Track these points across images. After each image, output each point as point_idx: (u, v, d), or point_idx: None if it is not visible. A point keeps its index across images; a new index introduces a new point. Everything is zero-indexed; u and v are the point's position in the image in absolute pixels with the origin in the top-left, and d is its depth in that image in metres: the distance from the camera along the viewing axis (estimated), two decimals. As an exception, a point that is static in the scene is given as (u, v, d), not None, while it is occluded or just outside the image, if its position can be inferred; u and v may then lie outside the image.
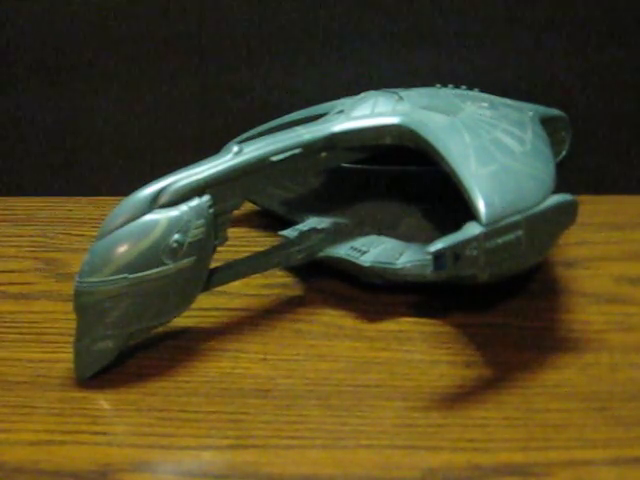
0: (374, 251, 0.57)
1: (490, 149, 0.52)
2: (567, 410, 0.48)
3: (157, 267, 0.50)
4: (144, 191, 0.50)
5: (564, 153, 0.64)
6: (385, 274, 0.56)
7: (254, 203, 0.65)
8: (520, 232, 0.48)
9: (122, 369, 0.52)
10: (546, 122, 0.58)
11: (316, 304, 0.57)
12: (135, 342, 0.52)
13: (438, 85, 0.60)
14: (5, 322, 0.56)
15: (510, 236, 0.48)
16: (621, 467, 0.45)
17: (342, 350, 0.53)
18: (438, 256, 0.46)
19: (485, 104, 0.56)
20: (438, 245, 0.46)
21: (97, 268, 0.49)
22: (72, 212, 0.68)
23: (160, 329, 0.52)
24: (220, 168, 0.52)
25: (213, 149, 0.55)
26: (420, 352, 0.53)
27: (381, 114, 0.55)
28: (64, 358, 0.52)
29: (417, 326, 0.55)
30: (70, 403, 0.50)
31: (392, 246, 0.57)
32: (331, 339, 0.54)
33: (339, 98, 0.59)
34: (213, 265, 0.53)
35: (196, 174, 0.51)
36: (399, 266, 0.55)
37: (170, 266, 0.50)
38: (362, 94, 0.57)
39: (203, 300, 0.54)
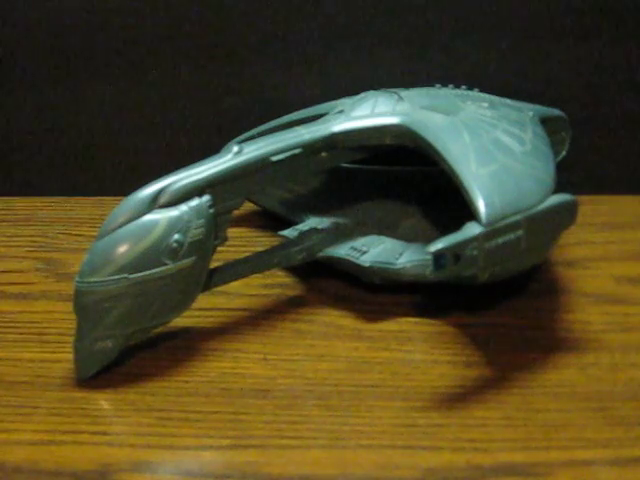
0: (374, 251, 0.57)
1: (490, 149, 0.51)
2: (567, 410, 0.48)
3: (157, 267, 0.50)
4: (144, 191, 0.50)
5: (564, 153, 0.64)
6: (385, 274, 0.56)
7: (254, 203, 0.65)
8: (520, 232, 0.48)
9: (122, 369, 0.52)
10: (546, 122, 0.58)
11: (316, 304, 0.57)
12: (135, 342, 0.52)
13: (438, 85, 0.60)
14: (5, 322, 0.56)
15: (510, 236, 0.48)
16: (621, 467, 0.45)
17: (342, 350, 0.53)
18: (438, 256, 0.46)
19: (485, 104, 0.56)
20: (438, 245, 0.46)
21: (97, 268, 0.49)
22: (72, 212, 0.68)
23: (160, 329, 0.52)
24: (220, 168, 0.52)
25: (213, 149, 0.55)
26: (420, 352, 0.53)
27: (381, 114, 0.55)
28: (64, 358, 0.52)
29: (417, 326, 0.55)
30: (70, 403, 0.50)
31: (392, 246, 0.57)
32: (331, 339, 0.54)
33: (339, 98, 0.59)
34: (213, 265, 0.53)
35: (196, 174, 0.51)
36: (399, 266, 0.55)
37: (170, 266, 0.50)
38: (362, 94, 0.57)
39: (203, 300, 0.54)
